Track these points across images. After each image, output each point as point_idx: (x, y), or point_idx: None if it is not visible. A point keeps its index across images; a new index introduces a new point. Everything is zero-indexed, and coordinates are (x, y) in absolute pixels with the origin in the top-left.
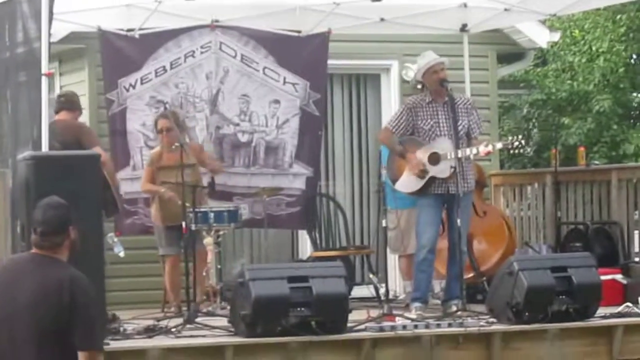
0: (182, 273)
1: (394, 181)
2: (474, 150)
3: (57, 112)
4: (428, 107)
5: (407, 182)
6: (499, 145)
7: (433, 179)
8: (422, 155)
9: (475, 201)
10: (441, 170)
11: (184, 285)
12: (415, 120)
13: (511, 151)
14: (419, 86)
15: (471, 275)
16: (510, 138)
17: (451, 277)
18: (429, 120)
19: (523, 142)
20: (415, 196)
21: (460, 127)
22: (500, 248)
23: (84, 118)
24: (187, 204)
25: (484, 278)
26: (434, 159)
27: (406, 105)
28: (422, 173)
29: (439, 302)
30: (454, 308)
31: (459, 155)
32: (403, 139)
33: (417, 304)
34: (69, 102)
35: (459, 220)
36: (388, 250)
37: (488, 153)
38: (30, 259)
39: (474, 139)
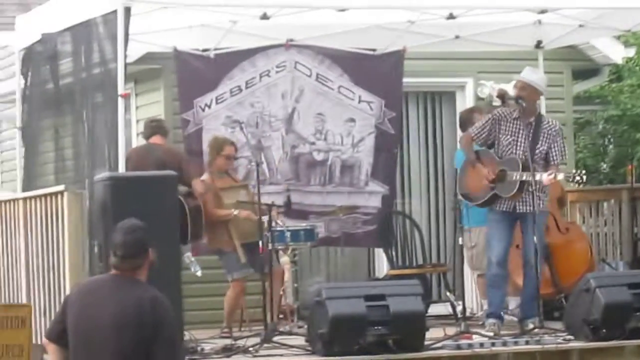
0: (257, 293)
1: (462, 193)
2: (537, 177)
3: (149, 137)
4: (513, 123)
5: (474, 195)
6: (561, 176)
7: (497, 196)
8: (491, 169)
9: (557, 217)
10: (505, 189)
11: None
12: (498, 133)
13: (571, 184)
14: (495, 103)
15: (551, 290)
16: (574, 171)
17: (527, 295)
18: (508, 136)
19: (585, 177)
20: (484, 208)
21: (537, 151)
22: (584, 265)
23: None
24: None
25: (563, 294)
26: (501, 176)
27: (492, 116)
28: (489, 181)
29: (515, 319)
30: (531, 326)
31: (524, 178)
32: (481, 150)
33: (490, 320)
34: (162, 128)
35: (535, 238)
36: (467, 267)
37: (550, 182)
38: (111, 280)
39: (553, 166)
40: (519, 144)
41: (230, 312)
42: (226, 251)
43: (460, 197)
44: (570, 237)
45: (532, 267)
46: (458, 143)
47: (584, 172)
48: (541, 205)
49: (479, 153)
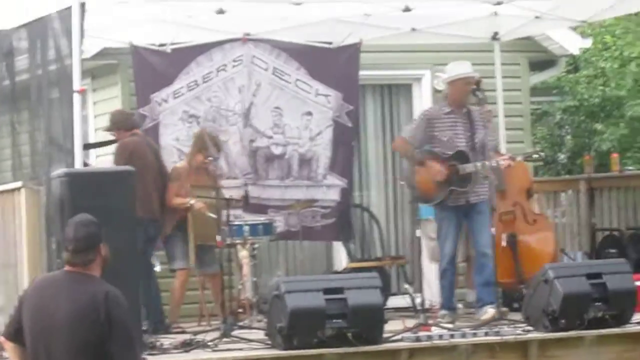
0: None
1: (415, 195)
2: (494, 163)
3: (131, 128)
4: (447, 118)
5: (429, 196)
6: (520, 157)
7: (452, 191)
8: (441, 167)
9: (525, 208)
10: (462, 183)
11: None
12: (432, 132)
13: (531, 164)
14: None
15: (513, 280)
16: (531, 150)
17: (481, 284)
18: (447, 132)
19: (543, 153)
20: (436, 208)
21: (477, 140)
22: (548, 257)
23: None
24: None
25: (524, 286)
26: (453, 171)
27: (424, 116)
28: (445, 177)
29: (473, 311)
30: (490, 312)
31: (478, 167)
32: (422, 150)
33: (442, 312)
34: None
35: (493, 229)
36: (426, 259)
37: (508, 166)
38: (64, 276)
39: (489, 151)
40: (460, 136)
41: (177, 303)
42: (175, 239)
43: (414, 200)
44: (536, 228)
45: (489, 257)
46: (392, 147)
47: (541, 150)
48: (484, 194)
49: (423, 153)
